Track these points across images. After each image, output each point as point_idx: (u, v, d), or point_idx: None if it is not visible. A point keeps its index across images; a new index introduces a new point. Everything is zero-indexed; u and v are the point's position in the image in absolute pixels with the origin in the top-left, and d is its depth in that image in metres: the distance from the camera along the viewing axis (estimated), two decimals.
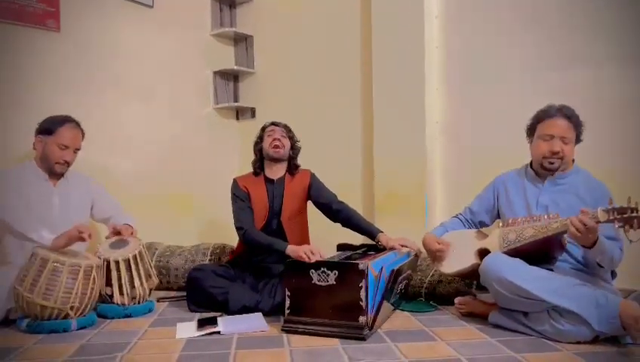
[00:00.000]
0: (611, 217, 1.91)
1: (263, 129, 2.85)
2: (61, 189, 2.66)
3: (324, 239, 2.68)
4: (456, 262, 2.42)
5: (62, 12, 3.12)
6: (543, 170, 2.31)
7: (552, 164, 2.26)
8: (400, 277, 2.42)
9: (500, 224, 2.32)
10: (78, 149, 2.67)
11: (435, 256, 2.49)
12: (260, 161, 2.83)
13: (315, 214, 2.87)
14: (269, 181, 2.81)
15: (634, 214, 1.87)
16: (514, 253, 2.19)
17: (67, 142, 2.59)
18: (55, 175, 2.65)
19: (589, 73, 2.79)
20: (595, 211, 1.95)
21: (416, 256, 2.65)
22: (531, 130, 2.36)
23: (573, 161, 2.32)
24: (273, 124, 2.83)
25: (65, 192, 2.67)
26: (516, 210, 2.36)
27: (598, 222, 1.95)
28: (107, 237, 2.73)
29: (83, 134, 2.70)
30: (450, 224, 2.59)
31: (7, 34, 2.91)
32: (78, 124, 2.67)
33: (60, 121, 2.61)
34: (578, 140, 2.28)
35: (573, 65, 2.84)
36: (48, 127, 2.59)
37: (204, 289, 2.56)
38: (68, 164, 2.63)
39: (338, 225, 2.78)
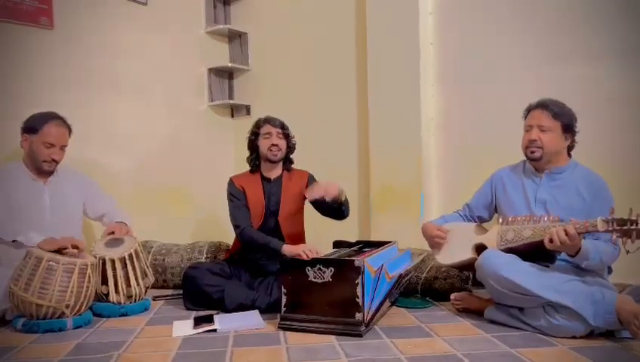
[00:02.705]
0: (610, 228, 1.91)
1: (258, 126, 2.80)
2: (52, 187, 2.64)
3: (320, 236, 2.68)
4: (453, 253, 2.43)
5: (55, 9, 3.11)
6: (528, 161, 2.34)
7: (533, 153, 2.28)
8: (404, 279, 2.44)
9: (500, 220, 2.32)
10: (65, 146, 2.61)
11: (434, 242, 2.50)
12: (255, 158, 2.82)
13: (312, 211, 2.87)
14: (265, 180, 2.80)
15: (633, 227, 1.85)
16: (511, 251, 2.19)
17: (52, 140, 2.55)
18: (46, 172, 2.62)
19: (586, 69, 2.79)
20: (594, 220, 1.95)
21: (423, 259, 2.65)
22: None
23: (570, 155, 2.33)
24: (268, 122, 2.77)
25: (56, 190, 2.65)
26: (515, 206, 2.36)
27: (597, 231, 1.95)
28: (103, 235, 2.72)
29: (70, 130, 2.64)
30: (450, 217, 2.61)
31: (1, 31, 2.89)
32: (63, 121, 2.61)
33: (44, 119, 2.55)
34: (568, 131, 2.26)
35: (570, 60, 2.84)
36: (33, 126, 2.54)
37: (200, 288, 2.56)
38: (56, 161, 2.59)
39: (335, 222, 2.78)
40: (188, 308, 2.60)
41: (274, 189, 2.78)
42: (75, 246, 2.37)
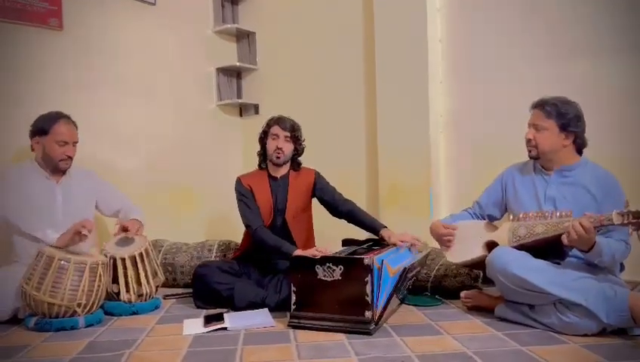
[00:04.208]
0: (626, 221, 1.90)
1: (269, 125, 2.79)
2: (64, 186, 2.66)
3: (328, 234, 2.68)
4: (463, 252, 2.42)
5: (64, 10, 3.13)
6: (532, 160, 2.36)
7: (530, 151, 2.32)
8: (410, 274, 2.43)
9: (511, 218, 2.31)
10: (77, 142, 2.65)
11: (442, 241, 2.49)
12: (264, 155, 2.83)
13: (319, 209, 2.87)
14: (272, 178, 2.80)
15: None
16: (523, 248, 2.18)
17: (65, 138, 2.58)
18: (59, 172, 2.65)
19: (592, 67, 2.78)
20: (609, 214, 1.94)
21: (427, 254, 2.65)
22: None
23: (581, 153, 2.31)
24: (278, 123, 2.74)
25: (68, 189, 2.67)
26: (525, 203, 2.35)
27: (612, 224, 1.94)
28: (115, 234, 2.74)
29: (76, 127, 2.68)
30: (459, 215, 2.59)
31: (10, 33, 2.92)
32: (69, 118, 2.65)
33: (52, 119, 2.58)
34: (566, 130, 2.23)
35: (576, 57, 2.83)
36: (42, 127, 2.57)
37: (210, 286, 2.57)
38: (71, 158, 2.62)
39: (343, 221, 2.78)
40: (198, 306, 2.62)
41: (280, 187, 2.78)
42: (83, 227, 2.39)
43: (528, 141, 2.30)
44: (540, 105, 2.27)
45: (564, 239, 2.02)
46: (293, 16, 3.93)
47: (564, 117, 2.22)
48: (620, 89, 2.71)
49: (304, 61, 3.88)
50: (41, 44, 3.04)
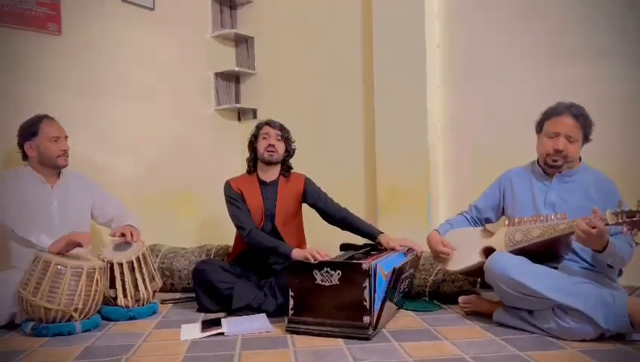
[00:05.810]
0: (620, 220, 1.89)
1: (258, 128, 2.82)
2: (59, 191, 2.66)
3: (325, 240, 2.67)
4: (461, 259, 2.41)
5: (63, 15, 3.13)
6: (547, 167, 2.30)
7: (556, 162, 2.24)
8: (402, 276, 2.42)
9: (506, 222, 2.31)
10: (67, 136, 2.67)
11: (439, 257, 2.48)
12: (254, 159, 2.83)
13: (315, 215, 2.86)
14: (262, 183, 2.80)
15: None
16: (519, 252, 2.18)
17: (56, 133, 2.60)
18: (55, 174, 2.65)
19: (591, 70, 2.79)
20: (603, 213, 1.93)
21: (417, 256, 2.64)
22: (539, 127, 2.33)
23: (580, 158, 2.31)
24: (268, 124, 2.80)
25: (63, 194, 2.67)
26: (523, 208, 2.34)
27: (607, 224, 1.93)
28: (110, 235, 2.74)
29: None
30: (456, 221, 2.57)
31: (9, 38, 2.92)
32: (50, 117, 2.66)
33: (37, 120, 2.60)
34: (586, 140, 2.25)
35: (575, 61, 2.84)
36: (31, 131, 2.59)
37: (211, 283, 2.57)
38: (67, 153, 2.64)
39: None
40: (200, 304, 2.61)
41: (270, 193, 2.78)
42: (78, 245, 2.38)
43: (558, 152, 2.21)
44: (575, 115, 2.20)
45: (578, 235, 1.98)
46: (291, 22, 3.94)
47: (589, 127, 2.23)
48: (621, 89, 2.71)
49: (302, 66, 3.88)
50: (40, 47, 3.04)
